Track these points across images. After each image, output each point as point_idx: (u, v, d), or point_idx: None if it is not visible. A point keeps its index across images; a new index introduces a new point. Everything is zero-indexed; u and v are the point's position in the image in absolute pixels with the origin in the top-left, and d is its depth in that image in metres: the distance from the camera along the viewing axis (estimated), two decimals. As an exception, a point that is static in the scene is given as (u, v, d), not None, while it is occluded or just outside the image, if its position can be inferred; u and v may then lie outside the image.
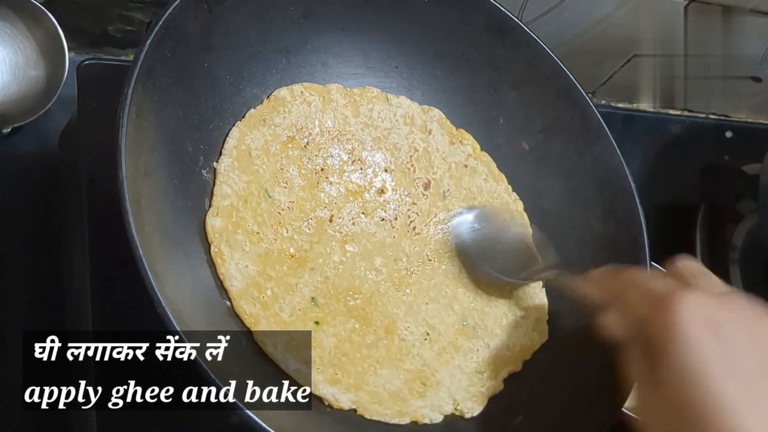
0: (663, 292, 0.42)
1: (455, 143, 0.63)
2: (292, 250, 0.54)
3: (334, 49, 0.61)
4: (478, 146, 0.64)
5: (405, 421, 0.53)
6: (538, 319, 0.60)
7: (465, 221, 0.61)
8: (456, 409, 0.55)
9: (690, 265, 0.47)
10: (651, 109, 1.01)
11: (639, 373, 0.44)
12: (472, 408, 0.55)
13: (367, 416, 0.51)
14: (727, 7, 0.88)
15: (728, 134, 1.00)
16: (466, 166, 0.63)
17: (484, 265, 0.59)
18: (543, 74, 0.64)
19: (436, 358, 0.56)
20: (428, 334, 0.56)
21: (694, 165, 0.89)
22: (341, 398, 0.51)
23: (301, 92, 0.59)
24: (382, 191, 0.60)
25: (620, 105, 0.99)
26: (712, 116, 1.04)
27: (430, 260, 0.59)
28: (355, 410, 0.51)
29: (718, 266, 0.84)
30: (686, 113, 1.03)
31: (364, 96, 0.61)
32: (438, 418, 0.54)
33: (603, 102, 0.97)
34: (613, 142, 0.63)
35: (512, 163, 0.65)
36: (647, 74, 0.96)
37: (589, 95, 0.64)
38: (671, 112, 1.02)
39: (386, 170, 0.60)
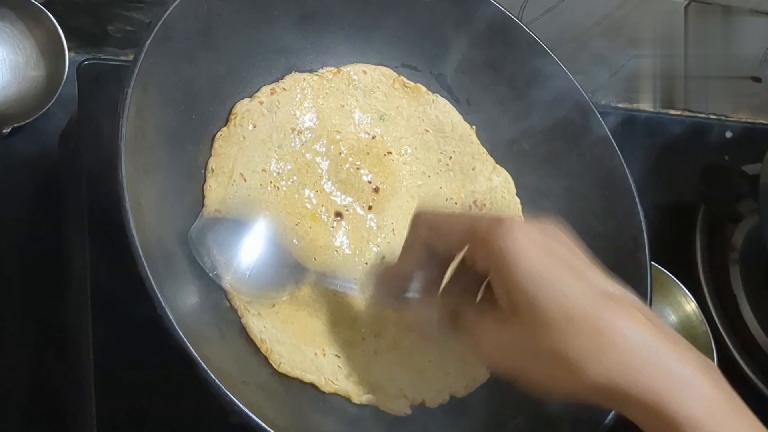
0: (484, 223, 0.44)
1: None
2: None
3: (334, 50, 0.61)
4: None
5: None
6: None
7: None
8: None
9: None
10: (651, 109, 1.01)
11: (478, 319, 0.46)
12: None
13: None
14: (727, 7, 0.88)
15: (728, 134, 1.01)
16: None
17: None
18: (543, 74, 0.64)
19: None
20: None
21: (694, 165, 0.89)
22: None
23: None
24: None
25: (620, 105, 0.99)
26: (712, 116, 1.04)
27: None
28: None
29: (718, 266, 0.85)
30: (686, 113, 1.03)
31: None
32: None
33: (603, 102, 0.97)
34: (613, 142, 0.63)
35: (512, 163, 0.65)
36: (647, 74, 0.96)
37: (589, 95, 0.64)
38: (671, 112, 1.02)
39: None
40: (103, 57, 0.73)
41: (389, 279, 0.51)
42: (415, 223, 0.49)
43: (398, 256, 0.50)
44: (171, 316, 0.41)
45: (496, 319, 0.44)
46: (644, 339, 0.40)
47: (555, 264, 0.42)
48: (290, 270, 0.52)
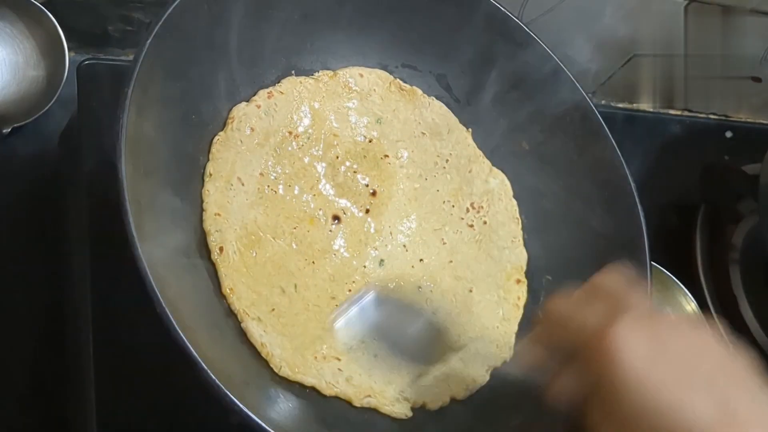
0: (592, 331, 0.42)
1: None
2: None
3: (334, 50, 0.61)
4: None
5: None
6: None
7: (365, 310, 0.56)
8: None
9: (610, 282, 0.46)
10: (651, 109, 1.01)
11: (600, 423, 0.43)
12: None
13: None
14: (727, 7, 0.88)
15: (728, 134, 1.00)
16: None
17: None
18: (543, 74, 0.64)
19: None
20: None
21: (694, 165, 0.89)
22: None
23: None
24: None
25: (620, 105, 0.99)
26: (712, 116, 1.04)
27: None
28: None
29: (718, 266, 0.84)
30: (686, 113, 1.03)
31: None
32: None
33: (603, 102, 0.97)
34: (613, 142, 0.63)
35: (512, 163, 0.65)
36: (647, 74, 0.96)
37: (589, 95, 0.64)
38: (671, 112, 1.02)
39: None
40: (103, 57, 0.73)
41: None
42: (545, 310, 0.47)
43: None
44: (171, 316, 0.41)
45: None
46: None
47: (665, 373, 0.39)
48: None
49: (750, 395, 0.39)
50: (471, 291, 0.60)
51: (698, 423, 0.38)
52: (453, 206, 0.62)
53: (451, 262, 0.60)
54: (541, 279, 0.62)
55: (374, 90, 0.62)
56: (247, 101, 0.57)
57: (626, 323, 0.41)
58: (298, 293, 0.53)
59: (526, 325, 0.61)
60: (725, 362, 0.41)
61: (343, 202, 0.58)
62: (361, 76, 0.62)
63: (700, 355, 0.41)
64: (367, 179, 0.59)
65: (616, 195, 0.62)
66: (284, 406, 0.49)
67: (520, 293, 0.61)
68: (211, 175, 0.53)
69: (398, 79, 0.63)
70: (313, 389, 0.51)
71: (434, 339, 0.56)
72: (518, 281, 0.62)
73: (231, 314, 0.51)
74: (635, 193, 0.61)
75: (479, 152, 0.65)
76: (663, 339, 0.40)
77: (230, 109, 0.56)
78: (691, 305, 0.82)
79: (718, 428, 0.38)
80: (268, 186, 0.56)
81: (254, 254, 0.53)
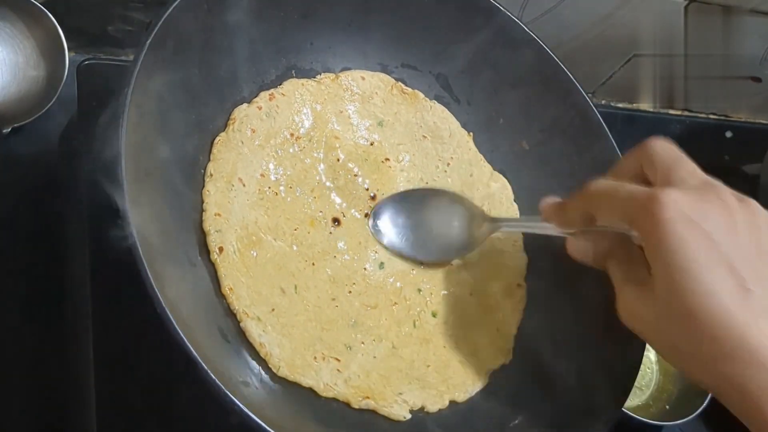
0: (642, 197, 0.43)
1: None
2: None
3: (335, 50, 0.61)
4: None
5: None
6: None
7: (385, 219, 0.59)
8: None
9: (663, 151, 0.48)
10: (651, 109, 1.01)
11: (625, 279, 0.47)
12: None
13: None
14: (727, 7, 0.88)
15: (728, 134, 1.01)
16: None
17: (421, 257, 0.59)
18: (543, 74, 0.64)
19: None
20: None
21: (694, 165, 0.89)
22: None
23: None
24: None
25: (620, 105, 0.99)
26: (712, 116, 1.04)
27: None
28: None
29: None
30: (686, 113, 1.03)
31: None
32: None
33: (603, 102, 0.97)
34: (613, 142, 0.63)
35: (512, 163, 0.65)
36: (647, 74, 0.96)
37: (589, 95, 0.64)
38: (671, 112, 1.02)
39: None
40: (103, 57, 0.73)
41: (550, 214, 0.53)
42: (585, 190, 0.49)
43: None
44: (171, 316, 0.41)
45: (642, 285, 0.45)
46: (758, 351, 0.40)
47: (703, 252, 0.41)
48: None
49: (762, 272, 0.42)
50: (471, 295, 0.60)
51: (720, 302, 0.40)
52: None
53: (451, 265, 0.60)
54: (541, 283, 0.62)
55: (376, 93, 0.62)
56: (248, 102, 0.57)
57: (676, 194, 0.42)
58: (298, 294, 0.53)
59: (525, 326, 0.61)
60: (749, 242, 0.42)
61: (344, 205, 0.58)
62: (363, 79, 0.62)
63: (738, 235, 0.42)
64: (368, 182, 0.60)
65: (616, 195, 0.62)
66: (284, 406, 0.49)
67: (519, 297, 0.61)
68: (211, 175, 0.53)
69: (399, 82, 0.63)
70: (312, 390, 0.51)
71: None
72: (518, 285, 0.62)
73: (230, 314, 0.51)
74: (635, 193, 0.61)
75: (480, 156, 0.65)
76: (706, 216, 0.42)
77: (231, 110, 0.56)
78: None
79: (734, 309, 0.40)
80: (269, 187, 0.56)
81: (254, 254, 0.53)
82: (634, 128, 0.95)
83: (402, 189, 0.61)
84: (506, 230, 0.60)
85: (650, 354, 0.82)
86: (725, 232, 0.42)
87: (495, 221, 0.59)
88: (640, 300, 0.45)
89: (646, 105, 1.00)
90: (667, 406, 0.80)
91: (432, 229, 0.60)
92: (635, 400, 0.81)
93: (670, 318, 0.42)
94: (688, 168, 0.46)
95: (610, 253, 0.50)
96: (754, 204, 0.44)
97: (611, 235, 0.50)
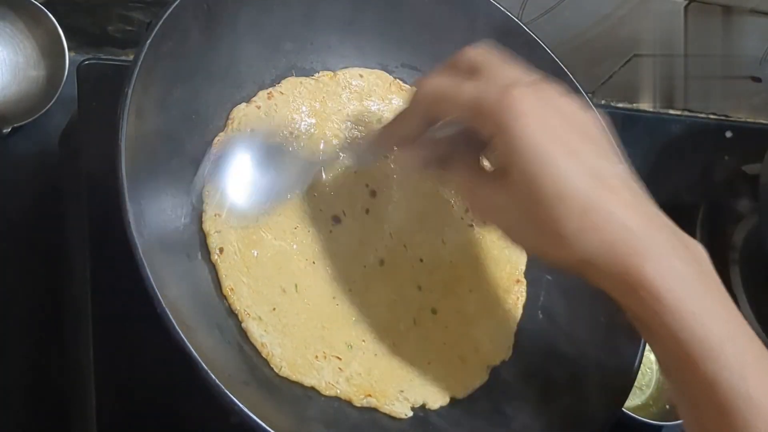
0: (494, 92, 0.45)
1: None
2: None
3: (335, 49, 0.61)
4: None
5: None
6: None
7: None
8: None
9: (482, 55, 0.50)
10: (651, 109, 1.01)
11: (476, 175, 0.49)
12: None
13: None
14: (727, 7, 0.88)
15: (728, 134, 1.01)
16: None
17: None
18: (543, 74, 0.64)
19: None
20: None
21: (694, 165, 0.89)
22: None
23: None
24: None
25: (620, 105, 0.99)
26: (712, 116, 1.04)
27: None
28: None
29: (718, 266, 0.84)
30: (686, 113, 1.03)
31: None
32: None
33: (603, 102, 0.97)
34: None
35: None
36: (647, 74, 0.96)
37: (589, 95, 0.64)
38: (671, 112, 1.02)
39: None
40: (103, 57, 0.73)
41: (379, 139, 0.55)
42: (416, 95, 0.50)
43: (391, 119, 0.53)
44: (171, 316, 0.41)
45: (493, 178, 0.47)
46: (623, 220, 0.43)
47: (553, 143, 0.44)
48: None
49: (609, 161, 0.46)
50: (470, 291, 0.60)
51: (576, 190, 0.43)
52: (453, 206, 0.62)
53: (451, 262, 0.60)
54: (541, 279, 0.62)
55: (374, 90, 0.62)
56: (247, 102, 0.57)
57: (521, 88, 0.45)
58: (299, 293, 0.54)
59: (525, 324, 0.61)
60: (591, 130, 0.47)
61: (344, 203, 0.58)
62: (361, 76, 0.62)
63: (575, 123, 0.46)
64: (367, 179, 0.60)
65: (616, 195, 0.62)
66: (285, 406, 0.49)
67: (519, 293, 0.62)
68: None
69: (398, 80, 0.63)
70: (313, 389, 0.51)
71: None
72: (517, 281, 0.62)
73: (231, 314, 0.51)
74: (635, 193, 0.61)
75: None
76: (549, 111, 0.45)
77: (230, 109, 0.56)
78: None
79: (593, 194, 0.43)
80: None
81: (255, 254, 0.53)
82: (634, 128, 0.95)
83: (402, 186, 0.61)
84: None
85: (650, 354, 0.82)
86: (560, 121, 0.45)
87: None
88: (498, 193, 0.47)
89: (646, 105, 1.00)
90: (667, 406, 0.80)
91: None
92: (635, 400, 0.81)
93: (536, 203, 0.44)
94: (513, 66, 0.49)
95: (448, 155, 0.51)
96: (553, 88, 0.47)
97: (448, 137, 0.50)
